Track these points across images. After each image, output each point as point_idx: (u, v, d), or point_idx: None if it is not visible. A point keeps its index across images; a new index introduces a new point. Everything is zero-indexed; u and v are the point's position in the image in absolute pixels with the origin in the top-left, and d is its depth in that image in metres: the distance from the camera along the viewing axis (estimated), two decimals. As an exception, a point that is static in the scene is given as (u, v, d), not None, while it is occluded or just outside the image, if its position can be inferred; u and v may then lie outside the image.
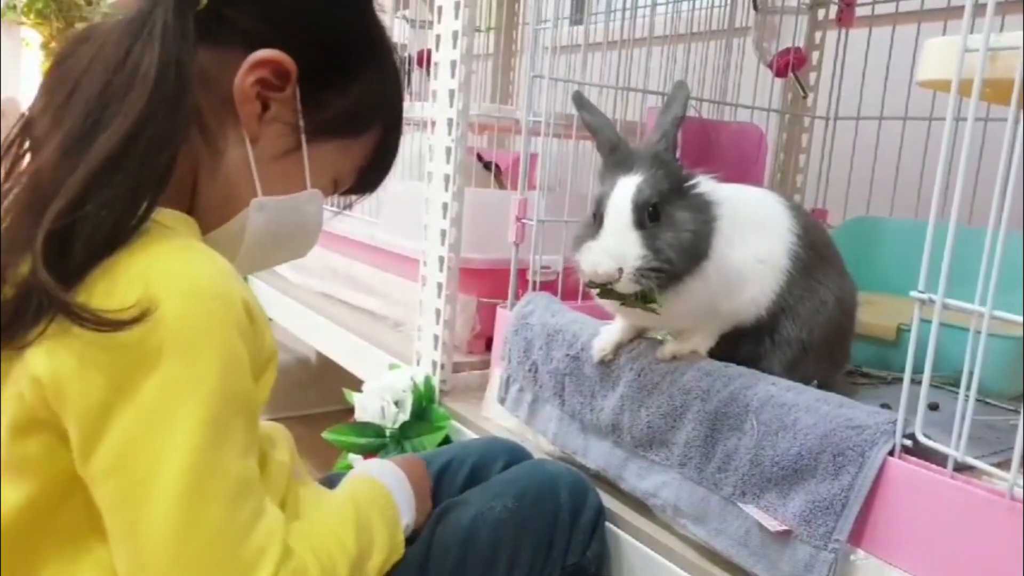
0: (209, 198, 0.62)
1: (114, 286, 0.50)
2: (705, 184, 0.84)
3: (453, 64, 1.13)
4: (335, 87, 0.64)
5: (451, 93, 1.14)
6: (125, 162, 0.52)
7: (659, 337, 0.93)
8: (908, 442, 0.67)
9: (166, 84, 0.53)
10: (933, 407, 0.89)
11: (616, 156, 0.83)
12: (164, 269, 0.52)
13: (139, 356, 0.49)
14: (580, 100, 0.88)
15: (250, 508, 0.52)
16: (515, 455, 0.94)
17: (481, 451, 0.92)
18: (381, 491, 0.72)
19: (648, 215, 0.77)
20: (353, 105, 0.65)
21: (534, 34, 1.11)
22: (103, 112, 0.52)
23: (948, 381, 0.96)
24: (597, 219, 0.79)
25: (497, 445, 0.95)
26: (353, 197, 0.75)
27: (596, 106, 0.89)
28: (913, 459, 0.67)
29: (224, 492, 0.51)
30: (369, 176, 0.72)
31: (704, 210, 0.80)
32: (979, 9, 0.62)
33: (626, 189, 0.78)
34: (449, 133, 1.15)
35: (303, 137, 0.63)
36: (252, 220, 0.63)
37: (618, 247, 0.76)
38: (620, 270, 0.75)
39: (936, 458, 0.65)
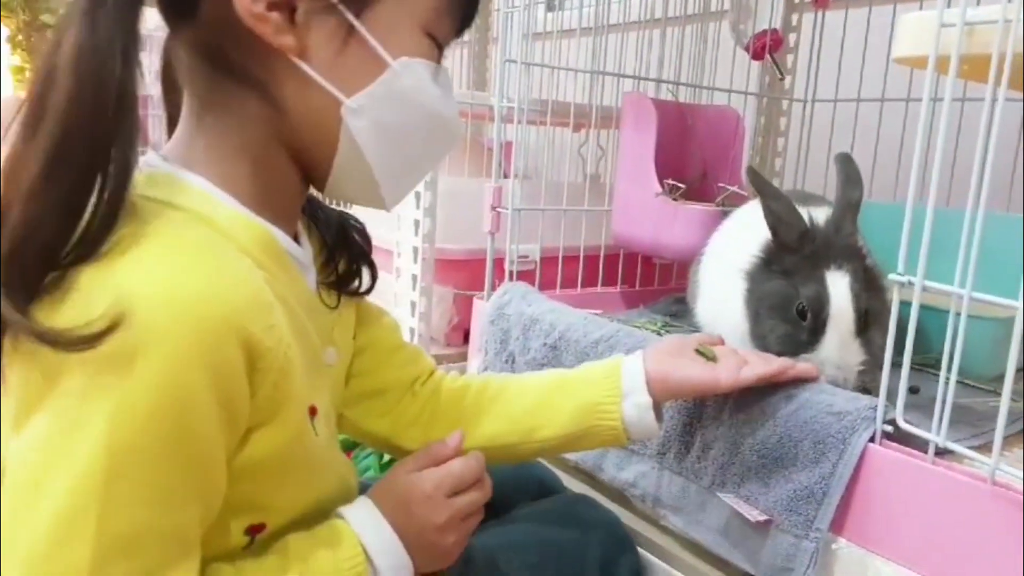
0: (312, 152, 0.55)
1: (85, 297, 0.44)
2: (866, 247, 0.83)
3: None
4: None
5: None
6: (52, 169, 0.45)
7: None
8: (889, 428, 0.66)
9: (85, 74, 0.46)
10: (913, 390, 0.88)
11: (811, 247, 0.78)
12: (141, 276, 0.45)
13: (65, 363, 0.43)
14: (760, 182, 0.80)
15: (133, 569, 0.44)
16: (544, 485, 0.84)
17: (505, 478, 0.74)
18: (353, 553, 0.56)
19: (865, 322, 0.76)
20: None
21: (505, 18, 1.08)
22: (42, 114, 0.46)
23: (929, 362, 0.96)
24: (808, 319, 0.76)
25: (524, 472, 0.82)
26: None
27: (770, 184, 0.81)
28: (894, 445, 0.66)
29: (102, 539, 0.43)
30: (467, 3, 0.58)
31: (883, 288, 0.79)
32: None
33: (843, 295, 0.75)
34: (421, 121, 1.13)
35: (349, 16, 0.52)
36: (355, 128, 0.54)
37: (843, 359, 0.75)
38: (845, 380, 0.75)
39: (917, 443, 0.64)
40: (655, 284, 1.36)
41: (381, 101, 0.55)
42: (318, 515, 0.58)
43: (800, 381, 0.72)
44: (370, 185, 0.57)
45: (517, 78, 1.07)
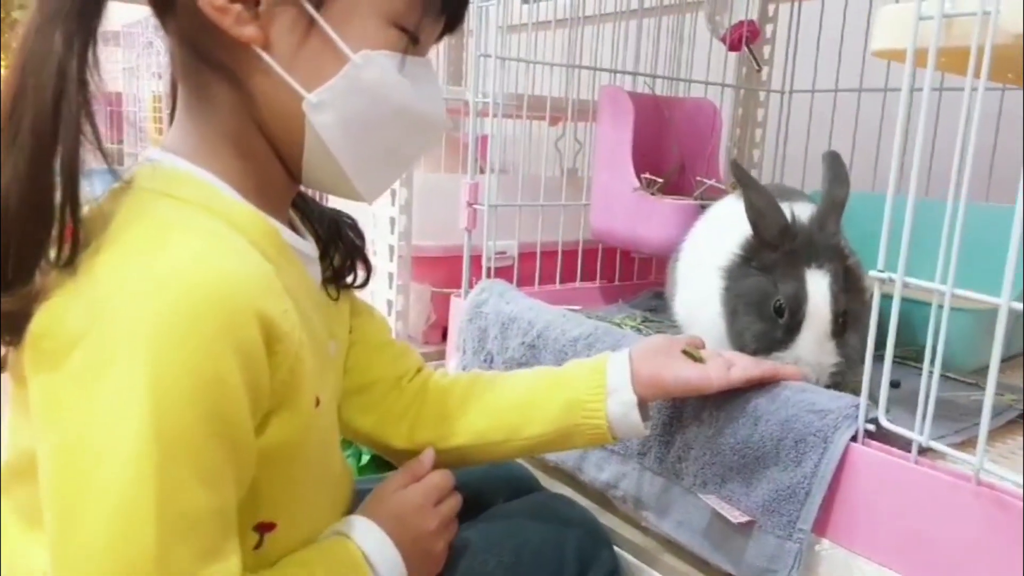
0: (283, 143, 0.56)
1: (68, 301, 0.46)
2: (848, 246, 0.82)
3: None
4: None
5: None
6: (9, 168, 0.46)
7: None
8: (871, 426, 0.65)
9: (27, 75, 0.46)
10: (895, 384, 0.87)
11: (791, 244, 0.77)
12: (165, 262, 0.46)
13: (93, 355, 0.44)
14: (743, 176, 0.80)
15: (194, 549, 0.45)
16: (522, 484, 0.83)
17: (482, 477, 0.79)
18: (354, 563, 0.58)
19: (841, 323, 0.74)
20: None
21: (479, 12, 1.06)
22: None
23: (910, 355, 0.95)
24: (785, 316, 0.74)
25: (501, 472, 0.83)
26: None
27: (753, 178, 0.81)
28: (877, 444, 0.65)
29: (163, 525, 0.43)
30: None
31: (864, 288, 0.78)
32: None
33: (822, 295, 0.74)
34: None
35: (308, 7, 0.52)
36: (317, 123, 0.53)
37: (816, 359, 0.74)
38: (817, 382, 0.74)
39: (901, 441, 0.63)
40: (634, 279, 1.34)
41: (343, 95, 0.54)
42: (322, 512, 0.61)
43: (783, 380, 0.71)
44: (341, 178, 0.57)
45: (492, 73, 1.05)
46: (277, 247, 0.56)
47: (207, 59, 0.54)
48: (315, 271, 0.63)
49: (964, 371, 0.98)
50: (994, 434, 0.75)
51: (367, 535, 0.59)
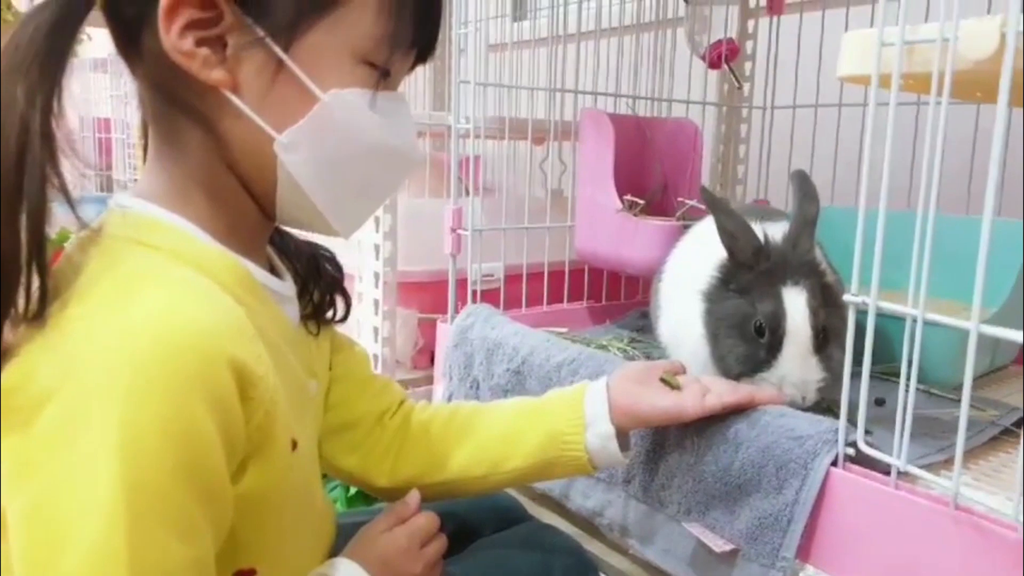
0: (256, 183, 0.55)
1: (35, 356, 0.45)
2: (821, 258, 0.83)
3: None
4: None
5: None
6: None
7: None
8: (851, 451, 0.65)
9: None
10: (880, 402, 0.88)
11: (766, 264, 0.77)
12: (134, 313, 0.45)
13: (66, 412, 0.44)
14: (712, 201, 0.80)
15: None
16: (508, 513, 0.82)
17: (469, 507, 0.79)
18: None
19: (823, 338, 0.75)
20: None
21: (458, 38, 1.06)
22: None
23: (892, 371, 0.95)
24: (765, 336, 0.75)
25: (487, 502, 0.81)
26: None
27: (723, 202, 0.82)
28: (857, 468, 0.65)
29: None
30: (415, 29, 0.56)
31: (841, 302, 0.76)
32: None
33: (800, 311, 0.74)
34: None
35: (276, 49, 0.51)
36: (289, 163, 0.53)
37: (801, 375, 0.74)
38: (804, 399, 0.75)
39: (882, 463, 0.63)
40: (621, 298, 1.35)
41: (314, 135, 0.54)
42: (303, 554, 0.60)
43: (763, 406, 0.71)
44: (316, 216, 0.57)
45: (472, 98, 1.06)
46: (249, 289, 0.55)
47: (176, 102, 0.54)
48: (292, 310, 0.63)
49: (947, 386, 0.98)
50: (977, 452, 0.75)
51: None
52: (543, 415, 0.70)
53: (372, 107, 0.55)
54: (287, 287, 0.62)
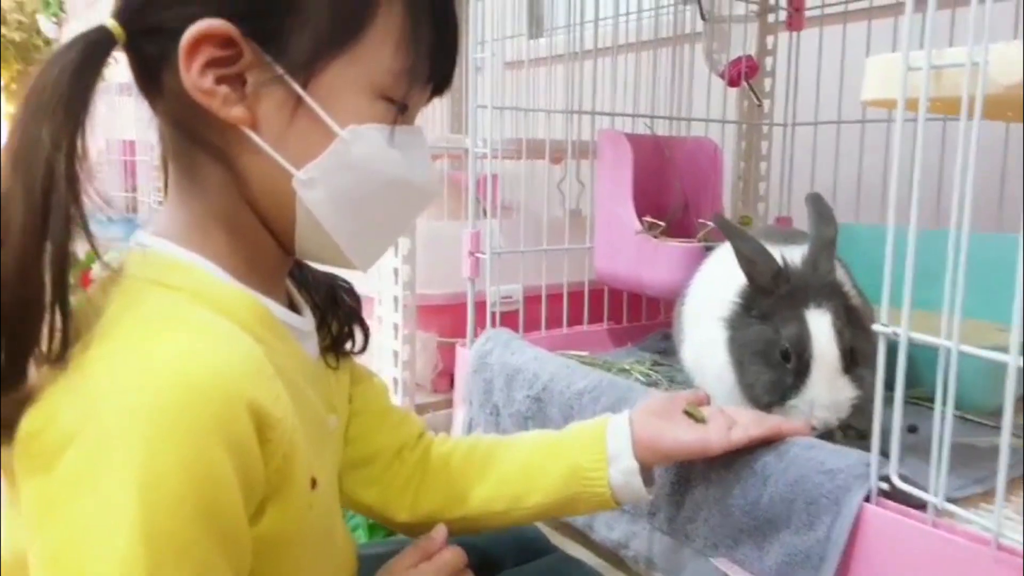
0: (275, 220, 0.55)
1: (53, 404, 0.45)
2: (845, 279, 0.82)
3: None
4: (285, 8, 0.51)
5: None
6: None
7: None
8: (885, 485, 0.63)
9: (17, 171, 0.46)
10: (912, 429, 0.85)
11: (787, 287, 0.76)
12: (150, 359, 0.46)
13: (87, 456, 0.43)
14: (727, 226, 0.79)
15: None
16: (531, 544, 0.80)
17: (492, 539, 0.76)
18: None
19: (851, 358, 0.73)
20: (322, 11, 0.52)
21: (474, 63, 1.06)
22: None
23: (922, 396, 0.93)
24: (792, 361, 0.73)
25: (511, 533, 0.79)
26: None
27: (738, 228, 0.82)
28: (891, 504, 0.63)
29: None
30: (432, 63, 0.56)
31: (869, 328, 0.74)
32: (921, 3, 0.58)
33: (826, 333, 0.73)
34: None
35: (295, 86, 0.52)
36: (308, 200, 0.53)
37: (832, 397, 0.72)
38: (839, 419, 0.73)
39: (917, 498, 0.61)
40: (643, 319, 1.33)
41: (333, 171, 0.54)
42: None
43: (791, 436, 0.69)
44: (335, 251, 0.57)
45: (489, 122, 1.05)
46: (268, 327, 0.55)
47: (196, 139, 0.54)
48: (312, 345, 0.63)
49: (983, 411, 0.96)
50: (1017, 482, 0.73)
51: None
52: (564, 450, 0.69)
53: (390, 142, 0.55)
54: (306, 322, 0.62)
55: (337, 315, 0.68)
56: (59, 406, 0.45)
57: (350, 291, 0.71)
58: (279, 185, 0.53)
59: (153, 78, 0.53)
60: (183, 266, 0.53)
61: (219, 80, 0.50)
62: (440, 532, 0.66)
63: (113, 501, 0.42)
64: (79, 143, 0.48)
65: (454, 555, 0.64)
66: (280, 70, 0.51)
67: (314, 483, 0.55)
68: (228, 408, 0.45)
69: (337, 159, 0.53)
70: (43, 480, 0.44)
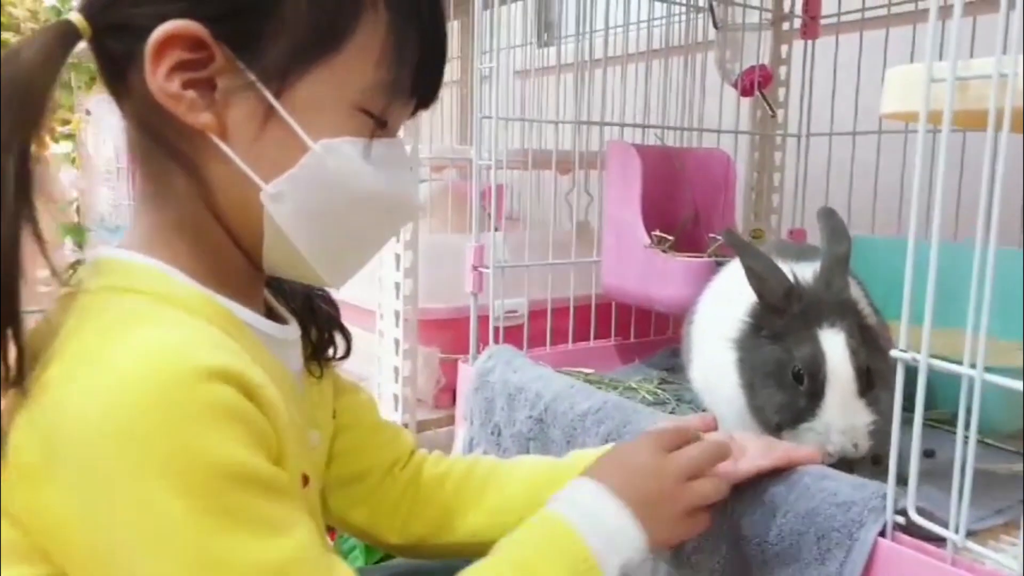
0: (242, 233, 0.53)
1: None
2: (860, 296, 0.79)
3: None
4: (261, 12, 0.49)
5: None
6: None
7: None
8: (901, 519, 0.60)
9: None
10: (928, 454, 0.81)
11: (799, 305, 0.72)
12: (128, 356, 0.44)
13: (86, 469, 0.42)
14: (737, 242, 0.76)
15: None
16: None
17: None
18: (563, 537, 0.55)
19: (867, 380, 0.70)
20: (301, 18, 0.49)
21: (478, 72, 1.04)
22: None
23: (940, 418, 0.89)
24: (805, 383, 0.70)
25: None
26: None
27: (748, 244, 0.78)
28: (908, 539, 0.59)
29: None
30: (416, 78, 0.54)
31: (885, 349, 0.72)
32: (944, 11, 0.55)
33: (840, 353, 0.69)
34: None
35: (267, 94, 0.49)
36: (277, 214, 0.51)
37: (847, 421, 0.69)
38: (855, 446, 0.69)
39: (935, 533, 0.58)
40: (651, 335, 1.30)
41: (303, 185, 0.51)
42: None
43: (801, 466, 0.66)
44: (305, 267, 0.54)
45: (493, 132, 1.02)
46: (237, 330, 0.52)
47: (162, 144, 0.51)
48: (294, 356, 0.60)
49: (1003, 434, 0.92)
50: (1040, 513, 0.69)
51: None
52: (563, 480, 0.66)
53: (366, 157, 0.53)
54: (288, 331, 0.59)
55: (316, 322, 0.65)
56: (25, 430, 0.43)
57: (326, 298, 0.69)
58: (247, 197, 0.51)
59: (119, 77, 0.51)
60: (139, 269, 0.51)
61: (187, 84, 0.48)
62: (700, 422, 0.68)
63: (143, 501, 0.42)
64: (32, 144, 0.46)
65: (703, 452, 0.62)
66: (252, 77, 0.49)
67: (306, 480, 0.54)
68: (200, 375, 0.43)
69: (308, 173, 0.51)
70: (49, 494, 0.43)
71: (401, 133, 0.68)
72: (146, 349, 0.44)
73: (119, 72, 0.51)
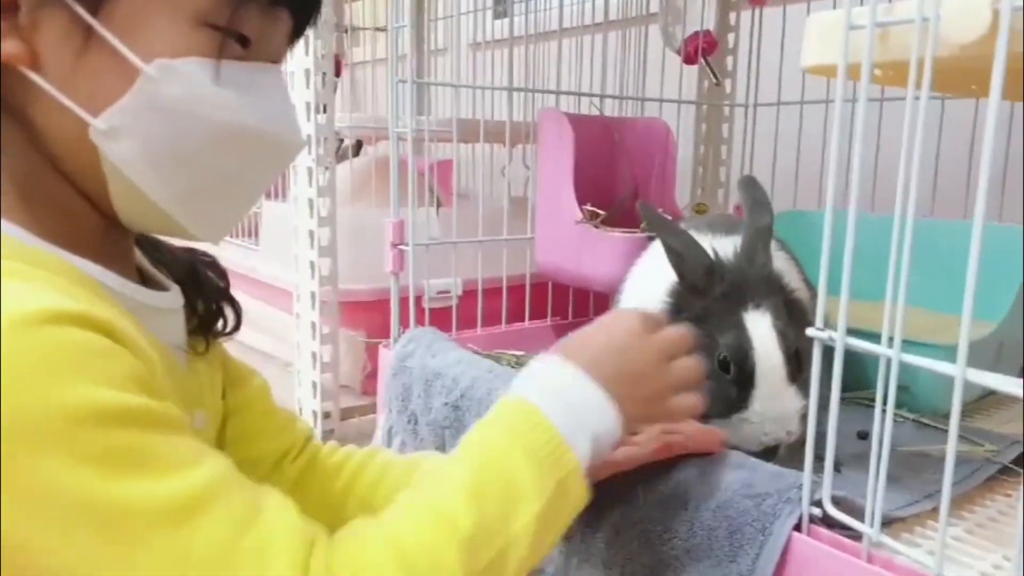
0: (82, 181, 0.46)
1: None
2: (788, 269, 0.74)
3: (307, 73, 0.99)
4: None
5: (307, 105, 0.99)
6: None
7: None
8: (818, 511, 0.55)
9: None
10: (862, 436, 0.77)
11: (722, 285, 0.68)
12: None
13: None
14: (652, 217, 0.71)
15: (224, 520, 0.39)
16: None
17: None
18: (524, 417, 0.51)
19: (796, 363, 0.66)
20: None
21: (395, 33, 0.96)
22: None
23: (874, 397, 0.85)
24: (732, 371, 0.66)
25: None
26: None
27: (664, 219, 0.73)
28: (824, 533, 0.54)
29: (155, 523, 0.37)
30: None
31: (809, 319, 0.67)
32: None
33: (767, 338, 0.65)
34: (309, 151, 1.01)
35: (79, 10, 0.43)
36: (113, 154, 0.44)
37: (780, 409, 0.65)
38: (788, 433, 0.66)
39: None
40: (590, 314, 1.24)
41: (140, 117, 0.44)
42: None
43: (714, 453, 0.61)
44: (163, 218, 0.47)
45: (410, 98, 0.95)
46: (92, 291, 0.45)
47: None
48: (172, 326, 0.53)
49: (940, 414, 0.88)
50: (973, 496, 0.66)
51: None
52: None
53: (217, 81, 0.45)
54: (165, 299, 0.52)
55: (201, 292, 0.58)
56: None
57: (213, 264, 0.61)
58: (78, 137, 0.44)
59: None
60: None
61: None
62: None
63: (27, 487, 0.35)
64: None
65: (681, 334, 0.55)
66: None
67: None
68: (41, 318, 0.37)
69: (144, 101, 0.44)
70: None
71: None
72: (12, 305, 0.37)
73: None
